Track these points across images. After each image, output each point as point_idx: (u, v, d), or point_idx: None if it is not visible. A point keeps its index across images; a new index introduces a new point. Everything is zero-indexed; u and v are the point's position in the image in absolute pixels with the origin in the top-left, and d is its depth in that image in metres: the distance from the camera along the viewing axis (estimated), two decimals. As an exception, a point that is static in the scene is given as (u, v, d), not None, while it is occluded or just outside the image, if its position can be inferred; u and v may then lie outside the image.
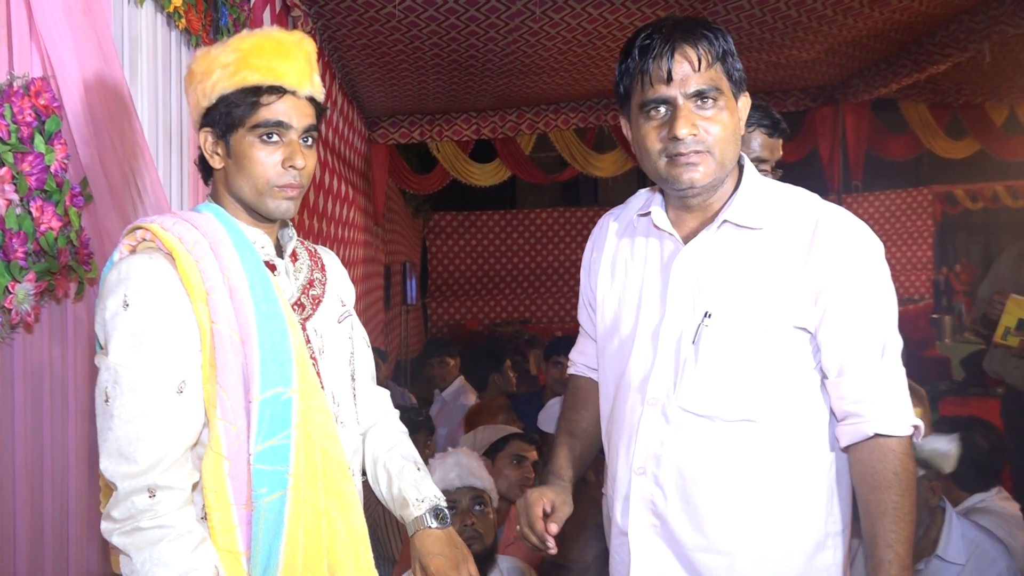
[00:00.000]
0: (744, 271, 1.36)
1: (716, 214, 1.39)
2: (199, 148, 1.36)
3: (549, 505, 1.52)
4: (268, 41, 1.30)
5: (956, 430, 2.65)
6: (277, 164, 1.30)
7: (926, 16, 4.48)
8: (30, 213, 1.32)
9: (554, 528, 1.49)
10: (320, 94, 1.36)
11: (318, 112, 1.36)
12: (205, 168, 1.38)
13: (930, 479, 2.31)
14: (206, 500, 1.23)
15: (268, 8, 3.08)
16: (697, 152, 1.32)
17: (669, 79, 1.30)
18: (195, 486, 1.24)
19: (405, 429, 1.64)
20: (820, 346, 1.35)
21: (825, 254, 1.33)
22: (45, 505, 1.43)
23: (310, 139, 1.35)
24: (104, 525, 1.20)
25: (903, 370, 1.37)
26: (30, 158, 1.32)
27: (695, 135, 1.31)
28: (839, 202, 6.89)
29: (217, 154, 1.32)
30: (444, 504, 1.51)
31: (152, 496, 1.17)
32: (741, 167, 1.43)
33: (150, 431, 1.18)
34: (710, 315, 1.36)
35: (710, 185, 1.36)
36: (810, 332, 1.35)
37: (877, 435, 1.32)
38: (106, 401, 1.19)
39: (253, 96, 1.28)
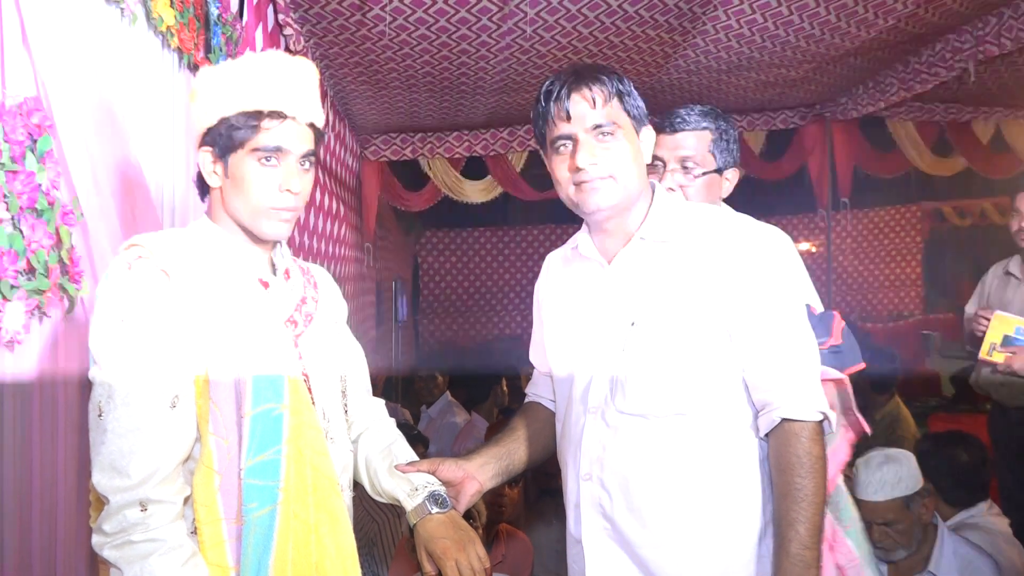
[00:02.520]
0: (663, 281, 1.47)
1: (633, 233, 1.52)
2: (198, 166, 1.37)
3: (440, 468, 1.59)
4: (270, 67, 1.33)
5: (939, 445, 2.66)
6: (274, 187, 1.32)
7: (912, 36, 4.54)
8: (21, 232, 1.32)
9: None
10: (320, 120, 1.39)
11: (317, 137, 1.38)
12: (203, 186, 1.39)
13: (923, 496, 2.33)
14: (196, 514, 1.24)
15: (261, 27, 3.10)
16: (601, 178, 1.46)
17: (569, 117, 1.46)
18: (186, 500, 1.25)
19: (401, 434, 1.65)
20: (733, 341, 1.45)
21: (725, 258, 1.44)
22: (33, 522, 1.42)
23: (308, 163, 1.37)
24: (95, 539, 1.21)
25: (814, 359, 1.47)
26: (21, 177, 1.32)
27: (595, 164, 1.45)
28: (828, 219, 6.96)
29: (215, 173, 1.35)
30: (441, 489, 1.54)
31: (144, 510, 1.19)
32: (654, 191, 1.56)
33: (143, 445, 1.19)
34: (634, 324, 1.47)
35: (618, 207, 1.48)
36: (724, 328, 1.45)
37: (784, 420, 1.41)
38: (99, 415, 1.21)
39: (254, 120, 1.30)
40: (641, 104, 1.51)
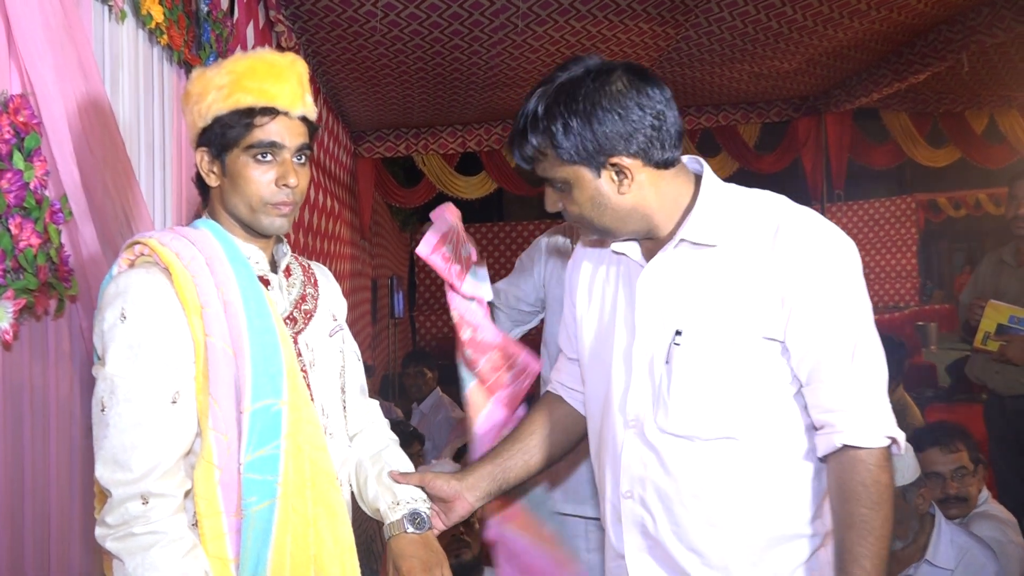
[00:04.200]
0: (709, 287, 1.34)
1: (673, 233, 1.37)
2: (195, 166, 1.38)
3: (432, 484, 1.56)
4: (261, 63, 1.33)
5: (931, 436, 2.68)
6: (271, 182, 1.33)
7: (905, 27, 4.54)
8: (9, 230, 1.31)
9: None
10: (312, 114, 1.39)
11: (311, 131, 1.39)
12: (202, 186, 1.40)
13: (920, 486, 2.33)
14: (197, 508, 1.26)
15: (251, 24, 3.09)
16: (576, 223, 1.45)
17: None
18: (187, 494, 1.27)
19: (395, 437, 1.65)
20: (790, 354, 1.33)
21: (785, 259, 1.30)
22: (26, 522, 1.42)
23: (303, 157, 1.38)
24: (98, 531, 1.22)
25: (881, 376, 1.31)
26: (9, 175, 1.31)
27: (562, 211, 1.41)
28: (822, 211, 6.95)
29: (213, 173, 1.36)
30: (424, 508, 1.53)
31: (145, 503, 1.21)
32: (699, 179, 1.40)
33: (144, 440, 1.21)
34: (680, 333, 1.35)
35: (617, 235, 1.39)
36: (780, 341, 1.32)
37: (846, 446, 1.28)
38: (102, 410, 1.22)
39: (247, 118, 1.31)
40: (597, 140, 1.29)
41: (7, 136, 1.32)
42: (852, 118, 6.82)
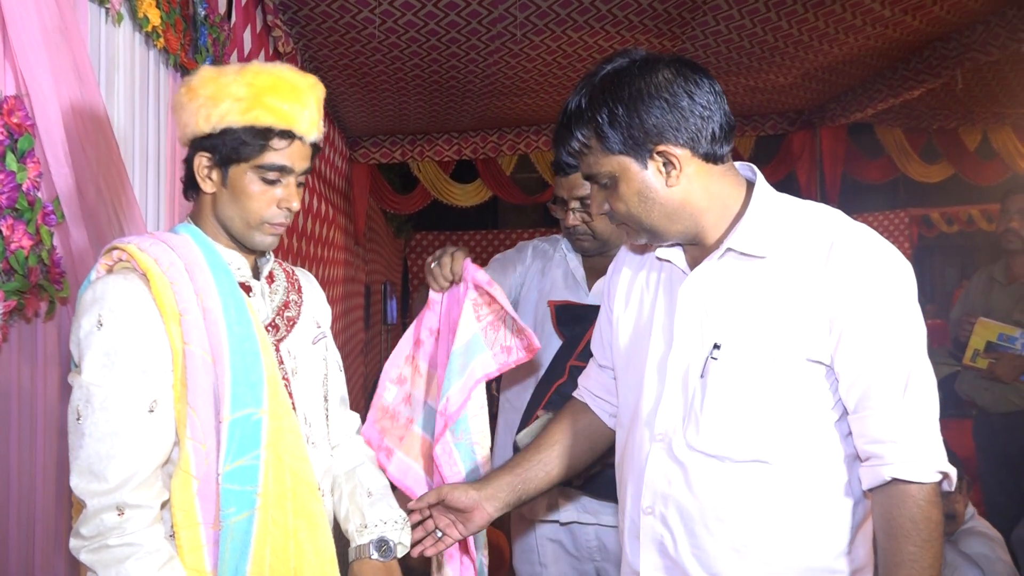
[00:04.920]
0: (754, 301, 1.27)
1: (720, 241, 1.32)
2: (185, 164, 1.35)
3: (449, 496, 1.55)
4: (283, 83, 1.30)
5: None
6: (273, 203, 1.33)
7: (900, 43, 4.57)
8: (0, 232, 1.31)
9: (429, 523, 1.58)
10: (321, 139, 1.38)
11: (315, 154, 1.39)
12: (190, 185, 1.37)
13: None
14: (174, 519, 1.23)
15: (248, 28, 3.09)
16: (620, 225, 1.38)
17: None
18: (164, 504, 1.24)
19: (371, 453, 1.64)
20: (838, 379, 1.25)
21: (839, 278, 1.22)
22: (10, 525, 1.41)
23: (303, 178, 1.37)
24: (73, 542, 1.20)
25: (934, 407, 1.23)
26: (1, 176, 1.31)
27: (605, 214, 1.38)
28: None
29: (210, 179, 1.33)
30: (393, 535, 1.51)
31: (121, 514, 1.18)
32: (751, 187, 1.34)
33: (120, 450, 1.19)
34: (719, 347, 1.28)
35: (663, 237, 1.34)
36: (826, 365, 1.25)
37: (895, 480, 1.21)
38: (78, 419, 1.20)
39: (263, 138, 1.29)
40: (643, 127, 1.25)
41: (0, 137, 1.31)
42: (847, 133, 6.85)
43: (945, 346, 3.94)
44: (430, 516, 1.60)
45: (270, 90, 1.29)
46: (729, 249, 1.30)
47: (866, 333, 1.22)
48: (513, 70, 4.61)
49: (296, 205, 1.34)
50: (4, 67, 1.37)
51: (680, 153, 1.26)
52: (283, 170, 1.32)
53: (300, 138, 1.33)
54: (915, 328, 1.24)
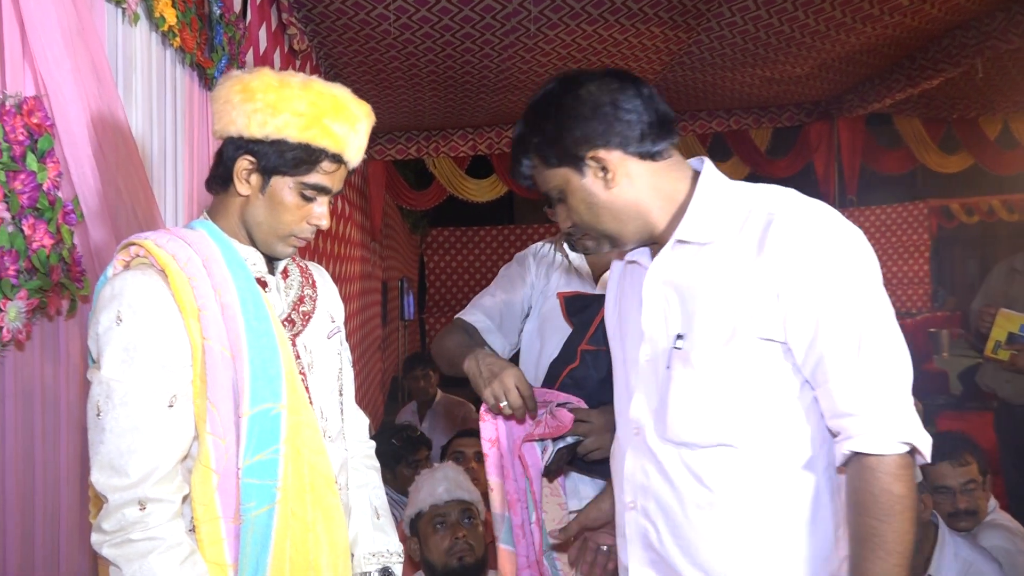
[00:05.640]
0: (707, 287, 1.29)
1: (671, 234, 1.34)
2: (217, 157, 1.35)
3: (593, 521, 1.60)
4: (344, 107, 1.32)
5: (939, 449, 2.65)
6: (304, 218, 1.35)
7: (919, 31, 4.52)
8: (22, 231, 1.32)
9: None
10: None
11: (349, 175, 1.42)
12: (218, 180, 1.37)
13: (919, 492, 2.30)
14: (195, 513, 1.25)
15: (264, 26, 3.10)
16: (582, 237, 1.51)
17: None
18: (185, 499, 1.26)
19: (377, 465, 1.66)
20: (793, 355, 1.25)
21: (777, 250, 1.22)
22: (36, 521, 1.43)
23: (334, 198, 1.40)
24: (94, 537, 1.21)
25: (898, 374, 1.19)
26: (22, 176, 1.32)
27: (569, 226, 1.48)
28: (835, 216, 6.91)
29: (248, 183, 1.33)
30: (397, 566, 1.56)
31: (142, 509, 1.19)
32: (697, 176, 1.36)
33: (141, 444, 1.20)
34: (681, 336, 1.31)
35: (623, 242, 1.38)
36: (779, 342, 1.25)
37: (856, 453, 1.19)
38: (98, 415, 1.21)
39: (316, 157, 1.31)
40: (570, 138, 1.30)
41: (21, 138, 1.33)
42: (864, 123, 6.80)
43: (966, 338, 3.91)
44: (585, 539, 1.65)
45: (331, 111, 1.30)
46: (678, 240, 1.32)
47: (810, 304, 1.21)
48: (528, 64, 4.61)
49: (326, 223, 1.36)
50: (24, 68, 1.38)
51: (612, 156, 1.30)
52: (324, 190, 1.34)
53: (346, 164, 1.36)
54: (864, 291, 1.21)
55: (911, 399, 1.20)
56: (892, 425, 1.18)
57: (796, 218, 1.24)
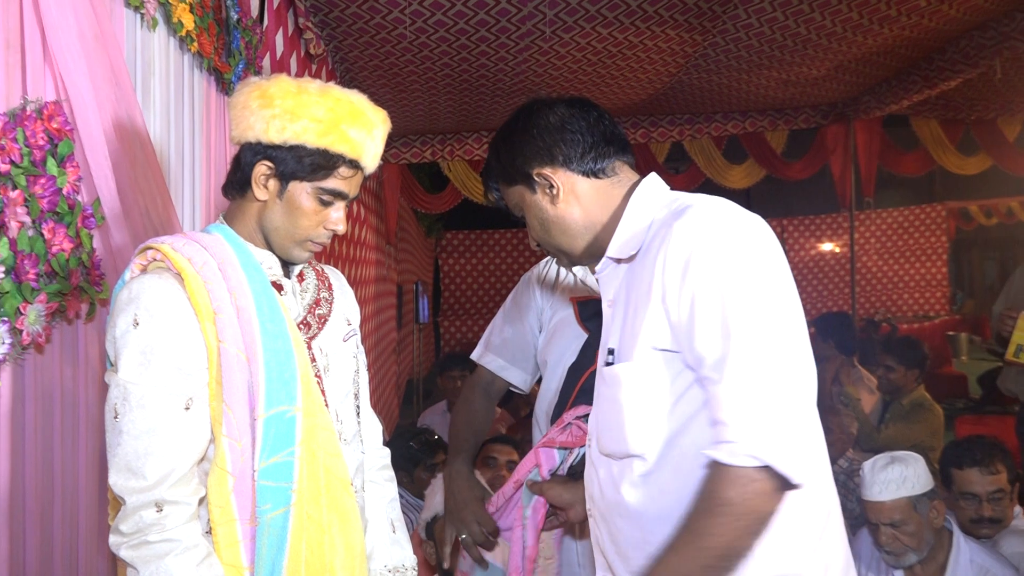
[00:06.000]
0: (626, 303, 1.30)
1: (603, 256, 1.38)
2: (235, 162, 1.37)
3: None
4: (361, 114, 1.34)
5: (970, 455, 2.61)
6: (322, 223, 1.36)
7: (936, 32, 4.49)
8: (42, 235, 1.33)
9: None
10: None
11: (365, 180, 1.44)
12: (235, 185, 1.38)
13: (932, 498, 2.28)
14: (211, 515, 1.26)
15: (280, 31, 3.12)
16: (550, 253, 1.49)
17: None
18: (201, 501, 1.27)
19: (392, 475, 1.67)
20: (688, 359, 1.21)
21: (660, 256, 1.20)
22: (55, 523, 1.44)
23: (351, 203, 1.41)
24: (112, 538, 1.22)
25: (769, 384, 1.10)
26: (42, 181, 1.34)
27: (536, 244, 1.51)
28: (851, 219, 6.89)
29: (266, 188, 1.34)
30: None
31: (159, 511, 1.20)
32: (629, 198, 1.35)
33: (158, 447, 1.21)
34: (612, 351, 1.32)
35: (582, 257, 1.42)
36: (673, 351, 1.21)
37: (707, 457, 1.15)
38: (115, 417, 1.22)
39: (334, 163, 1.32)
40: (520, 157, 1.38)
41: (41, 142, 1.34)
42: (881, 125, 6.76)
43: (987, 341, 3.87)
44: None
45: (349, 118, 1.31)
46: (608, 257, 1.36)
47: (684, 309, 1.17)
48: (543, 67, 4.61)
49: (343, 228, 1.38)
50: (44, 73, 1.40)
51: (558, 173, 1.37)
52: (341, 196, 1.35)
53: (363, 169, 1.37)
54: (745, 299, 1.13)
55: (791, 412, 1.11)
56: (747, 436, 1.10)
57: (682, 221, 1.20)
